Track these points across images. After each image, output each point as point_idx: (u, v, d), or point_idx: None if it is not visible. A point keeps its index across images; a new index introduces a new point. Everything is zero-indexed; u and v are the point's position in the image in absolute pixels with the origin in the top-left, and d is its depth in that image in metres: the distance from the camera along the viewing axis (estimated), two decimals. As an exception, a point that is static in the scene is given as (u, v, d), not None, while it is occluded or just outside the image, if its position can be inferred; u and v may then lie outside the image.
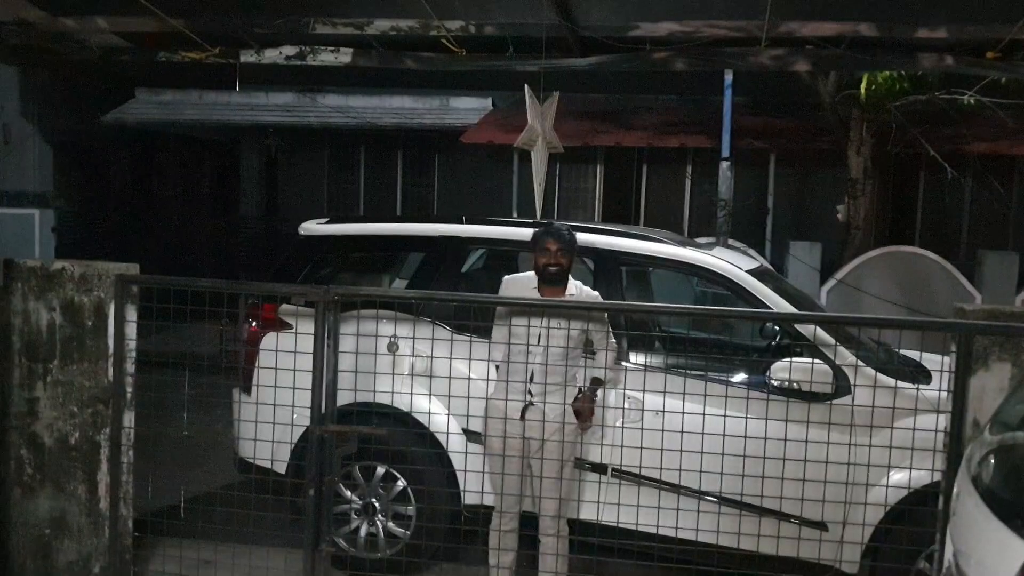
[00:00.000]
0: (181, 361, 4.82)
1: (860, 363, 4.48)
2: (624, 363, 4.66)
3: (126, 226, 13.13)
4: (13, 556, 4.32)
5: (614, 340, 4.51)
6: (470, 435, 4.72)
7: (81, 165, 12.93)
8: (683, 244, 5.28)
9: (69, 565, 4.33)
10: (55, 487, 4.31)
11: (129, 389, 4.33)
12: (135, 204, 13.95)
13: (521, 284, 4.46)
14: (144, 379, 4.42)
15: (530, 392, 4.33)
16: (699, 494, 4.43)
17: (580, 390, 4.41)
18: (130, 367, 4.33)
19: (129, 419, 4.34)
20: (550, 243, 4.36)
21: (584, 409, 4.37)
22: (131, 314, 4.32)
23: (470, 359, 4.45)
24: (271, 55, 5.66)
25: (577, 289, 4.46)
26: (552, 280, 4.37)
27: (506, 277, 4.57)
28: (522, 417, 4.33)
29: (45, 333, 4.27)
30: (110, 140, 13.31)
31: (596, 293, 4.57)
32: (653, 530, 4.41)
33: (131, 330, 4.32)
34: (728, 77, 9.32)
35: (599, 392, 4.47)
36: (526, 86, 6.98)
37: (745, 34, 7.52)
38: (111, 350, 4.27)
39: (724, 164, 9.79)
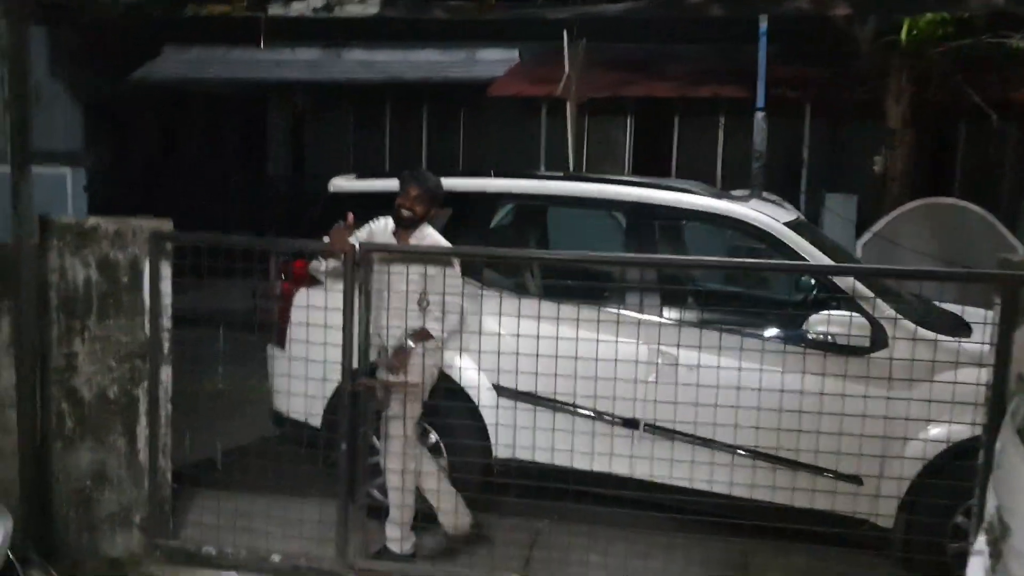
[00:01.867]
0: (215, 317, 4.87)
1: (899, 316, 4.42)
2: (459, 317, 4.51)
3: (155, 184, 13.20)
4: (56, 507, 4.41)
5: (456, 298, 4.41)
6: (501, 390, 4.73)
7: (110, 123, 13.00)
8: (717, 196, 5.20)
9: (110, 516, 4.41)
10: (95, 440, 4.38)
11: (166, 344, 4.37)
12: (164, 162, 14.01)
13: (380, 227, 4.51)
14: (179, 335, 4.46)
15: (384, 328, 4.39)
16: (733, 448, 4.42)
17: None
18: (166, 322, 4.36)
19: (166, 373, 4.39)
20: (412, 188, 4.42)
21: (394, 362, 4.34)
22: (166, 270, 4.35)
23: (499, 314, 4.44)
24: (298, 7, 5.57)
25: (426, 235, 4.49)
26: (404, 224, 4.44)
27: (370, 221, 4.58)
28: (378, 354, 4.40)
29: (82, 289, 4.30)
30: (138, 98, 13.34)
31: (442, 239, 4.52)
32: (687, 484, 4.41)
33: (166, 286, 4.35)
34: (763, 25, 9.15)
35: (416, 345, 4.36)
36: (564, 34, 6.87)
37: (781, -21, 7.32)
38: (147, 305, 4.31)
39: (758, 115, 9.66)
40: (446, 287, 4.33)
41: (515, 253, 5.09)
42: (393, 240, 4.45)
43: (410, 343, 4.35)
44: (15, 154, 4.13)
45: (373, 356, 4.40)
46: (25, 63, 4.18)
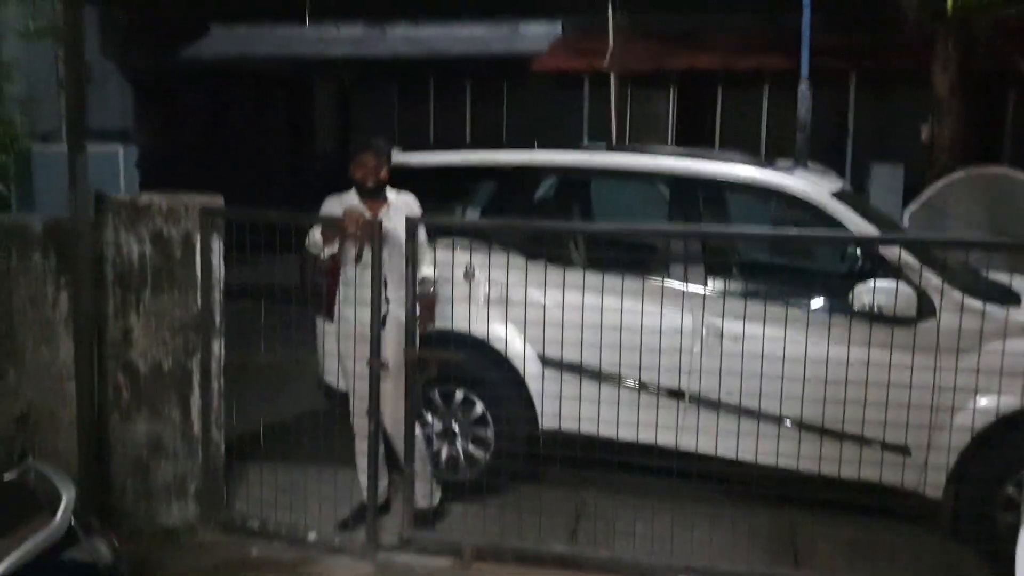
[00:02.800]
0: (264, 291, 4.95)
1: (946, 286, 4.37)
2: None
3: (204, 160, 13.38)
4: (115, 476, 4.54)
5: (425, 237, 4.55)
6: (546, 361, 4.77)
7: (160, 101, 13.19)
8: (761, 167, 5.16)
9: (166, 485, 4.54)
10: (151, 412, 4.49)
11: (217, 317, 4.47)
12: (212, 138, 14.18)
13: (344, 201, 4.48)
14: (230, 308, 4.56)
15: (387, 299, 4.40)
16: (778, 419, 4.42)
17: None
18: (217, 296, 4.46)
19: (218, 346, 4.49)
20: (367, 158, 4.44)
21: (429, 303, 4.51)
22: (216, 245, 4.44)
23: (544, 286, 4.48)
24: (344, -16, 5.67)
25: (395, 193, 4.53)
26: (371, 193, 4.45)
27: (328, 197, 4.57)
28: (384, 325, 4.40)
29: (136, 264, 4.41)
30: (187, 76, 13.50)
31: (411, 196, 4.58)
32: (732, 455, 4.42)
33: (217, 260, 4.44)
34: (807, -7, 8.99)
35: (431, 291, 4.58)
36: (610, 6, 6.83)
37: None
38: (199, 280, 4.40)
39: (803, 85, 9.53)
40: (423, 240, 4.48)
41: (559, 226, 5.12)
42: (364, 212, 4.38)
43: (430, 289, 4.51)
44: (71, 133, 4.23)
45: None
46: (80, 44, 4.26)
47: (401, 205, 4.50)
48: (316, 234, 4.37)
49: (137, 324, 4.45)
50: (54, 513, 2.80)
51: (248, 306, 4.93)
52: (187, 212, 4.39)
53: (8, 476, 3.14)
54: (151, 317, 4.44)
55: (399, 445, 4.46)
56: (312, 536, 4.44)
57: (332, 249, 4.37)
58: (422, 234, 4.50)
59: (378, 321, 4.28)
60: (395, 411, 4.42)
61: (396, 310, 4.43)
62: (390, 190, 4.54)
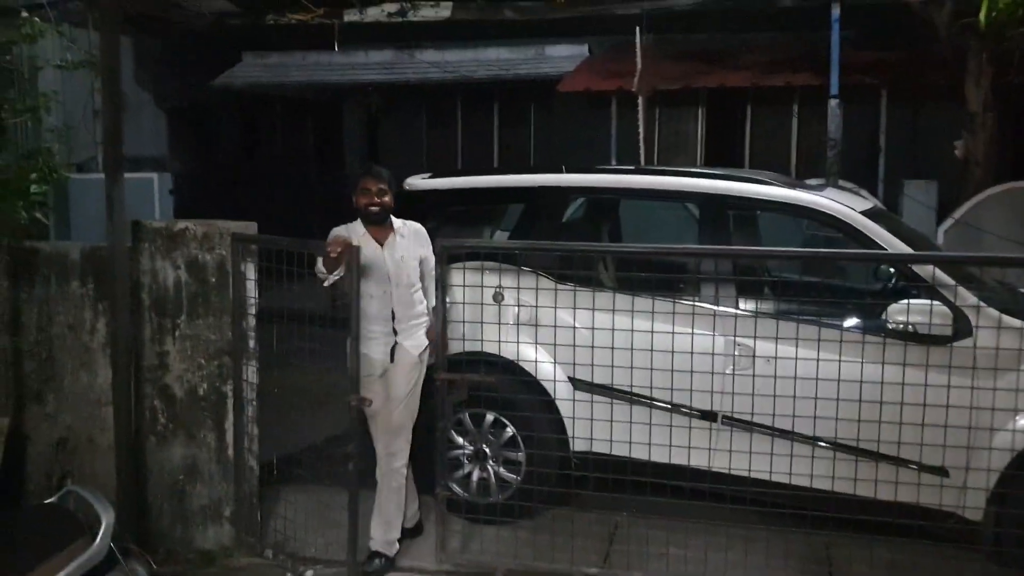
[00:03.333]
0: (297, 315, 5.00)
1: (982, 304, 4.32)
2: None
3: (237, 186, 13.55)
4: (151, 500, 4.59)
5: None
6: (577, 383, 4.76)
7: (193, 129, 13.40)
8: (792, 186, 5.15)
9: (202, 509, 4.58)
10: (186, 436, 4.55)
11: (251, 342, 4.52)
12: (245, 164, 14.37)
13: (351, 231, 4.41)
14: (264, 333, 4.60)
15: (395, 331, 4.37)
16: (813, 440, 4.38)
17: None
18: (251, 321, 4.51)
19: (252, 371, 4.54)
20: (369, 183, 4.36)
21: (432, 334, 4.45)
22: (250, 271, 4.49)
23: (574, 308, 4.48)
24: (373, 13, 5.73)
25: (402, 223, 4.47)
26: (376, 220, 4.38)
27: (334, 229, 4.44)
28: (392, 358, 4.38)
29: (172, 290, 4.48)
30: (219, 103, 13.71)
31: (419, 226, 4.55)
32: (766, 477, 4.38)
33: (251, 285, 4.50)
34: (835, 11, 8.98)
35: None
36: (637, 29, 6.87)
37: (854, -36, 7.19)
38: (235, 305, 4.46)
39: (833, 102, 9.48)
40: (432, 265, 4.47)
41: (588, 247, 5.13)
42: (371, 242, 4.36)
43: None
44: (108, 162, 4.32)
45: (379, 353, 4.38)
46: (117, 74, 4.36)
47: (409, 235, 4.46)
48: (319, 263, 4.30)
49: (173, 349, 4.51)
50: (94, 537, 2.85)
51: (281, 330, 4.97)
52: (221, 238, 4.46)
53: (50, 500, 3.20)
54: (186, 342, 4.50)
55: (392, 486, 4.42)
56: (344, 558, 4.45)
57: (335, 277, 4.25)
58: (431, 262, 4.49)
59: (355, 354, 4.22)
60: (395, 441, 4.41)
61: (405, 341, 4.40)
62: (396, 220, 4.49)
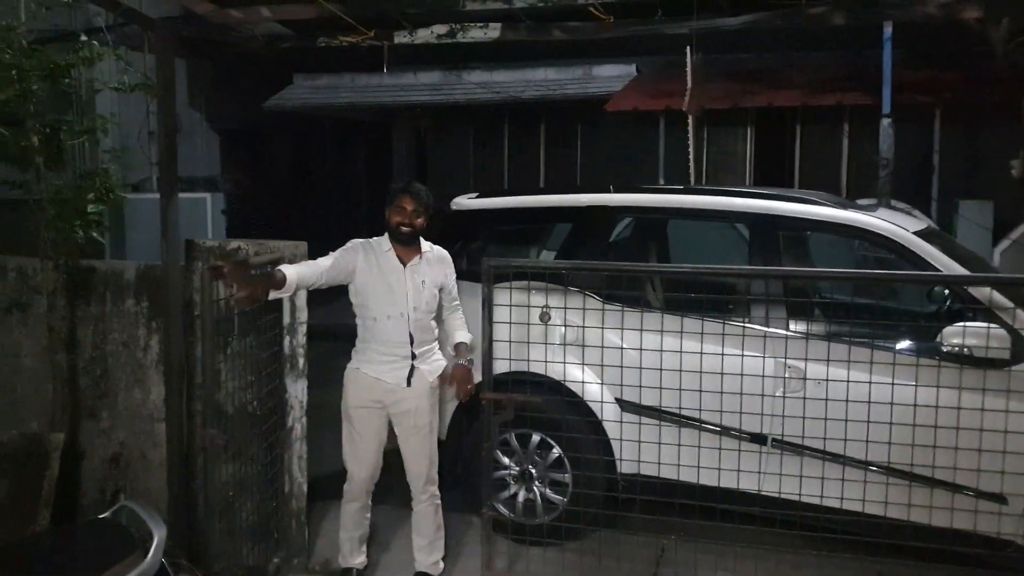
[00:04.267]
0: (346, 332, 5.04)
1: (1041, 327, 4.22)
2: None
3: (288, 206, 13.75)
4: (201, 515, 4.63)
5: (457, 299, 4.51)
6: (624, 404, 4.73)
7: (245, 150, 13.63)
8: (843, 206, 5.08)
9: (251, 525, 4.61)
10: (237, 452, 4.59)
11: (301, 359, 4.56)
12: (295, 185, 14.58)
13: (373, 247, 4.33)
14: (313, 350, 4.65)
15: (413, 355, 4.29)
16: (865, 464, 4.30)
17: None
18: (301, 338, 4.55)
19: (302, 388, 4.58)
20: (406, 202, 4.22)
21: (465, 377, 4.33)
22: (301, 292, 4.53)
23: (622, 328, 4.46)
24: (423, 35, 5.79)
25: (429, 247, 4.38)
26: (406, 241, 4.27)
27: (353, 240, 4.37)
28: (408, 383, 4.30)
29: (224, 308, 4.53)
30: (270, 125, 13.95)
31: (445, 252, 4.47)
32: (817, 501, 4.30)
33: (302, 303, 4.54)
34: (887, 29, 8.86)
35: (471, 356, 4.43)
36: (687, 49, 6.84)
37: (908, -18, 7.10)
38: (285, 323, 4.51)
39: (885, 121, 9.35)
40: (455, 295, 4.46)
41: (636, 267, 5.11)
42: (393, 260, 4.29)
43: (469, 358, 4.40)
44: (163, 183, 4.40)
45: (393, 378, 4.32)
46: (172, 96, 4.45)
47: (434, 260, 4.39)
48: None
49: (224, 367, 4.56)
50: (146, 552, 2.88)
51: (330, 348, 5.02)
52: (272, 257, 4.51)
53: (103, 515, 3.24)
54: (238, 360, 4.55)
55: (431, 510, 4.45)
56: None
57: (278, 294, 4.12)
58: (453, 291, 4.47)
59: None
60: (432, 469, 4.43)
61: (423, 366, 4.35)
62: (424, 243, 4.41)
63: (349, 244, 4.34)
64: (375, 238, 4.39)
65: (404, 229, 4.26)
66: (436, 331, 4.46)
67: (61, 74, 4.83)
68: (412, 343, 4.28)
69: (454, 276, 4.50)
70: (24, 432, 4.58)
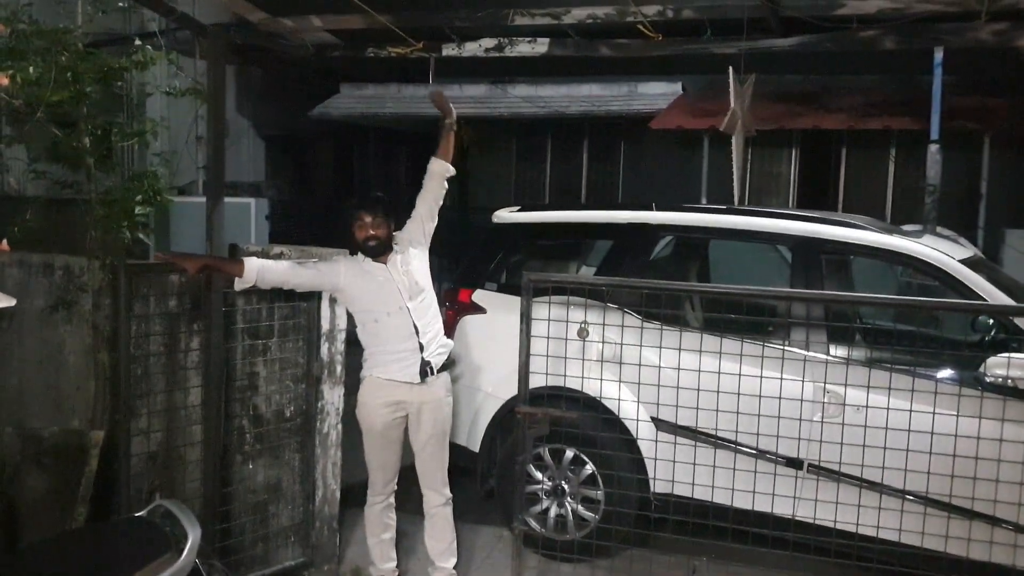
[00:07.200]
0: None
1: (1090, 361, 4.12)
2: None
3: (331, 213, 13.85)
4: (235, 517, 4.68)
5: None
6: (659, 423, 4.70)
7: (290, 157, 13.77)
8: (888, 231, 5.02)
9: (283, 529, 4.65)
10: (271, 456, 4.63)
11: (338, 366, 4.60)
12: (339, 193, 14.70)
13: (354, 264, 4.39)
14: (351, 356, 4.68)
15: (421, 346, 4.29)
16: (903, 493, 4.23)
17: None
18: (339, 345, 4.59)
19: (338, 394, 4.61)
20: (364, 216, 4.29)
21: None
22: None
23: (660, 347, 4.43)
24: (471, 48, 5.83)
25: (399, 243, 4.40)
26: (375, 253, 4.32)
27: (336, 258, 4.45)
28: (423, 380, 4.30)
29: (264, 312, 4.59)
30: (316, 133, 14.08)
31: (404, 229, 4.50)
32: (852, 529, 4.24)
33: (340, 310, 4.58)
34: (938, 55, 8.73)
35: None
36: (730, 68, 6.82)
37: (960, 8, 7.03)
38: (323, 329, 4.55)
39: (933, 147, 9.20)
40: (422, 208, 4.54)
41: (677, 286, 5.08)
42: (375, 265, 4.36)
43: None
44: (210, 188, 4.48)
45: (405, 375, 4.33)
46: (222, 103, 4.53)
47: (403, 242, 4.44)
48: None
49: (263, 371, 4.61)
50: (180, 552, 2.91)
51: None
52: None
53: (139, 513, 3.28)
54: (276, 364, 4.60)
55: (446, 515, 4.51)
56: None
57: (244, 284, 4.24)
58: (420, 209, 4.56)
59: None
60: (436, 468, 4.46)
61: (433, 357, 4.36)
62: (397, 245, 4.45)
63: (332, 258, 4.46)
64: (354, 256, 4.46)
65: (372, 243, 4.34)
66: (440, 320, 4.50)
67: (114, 77, 4.93)
68: (418, 333, 4.32)
69: (416, 216, 4.55)
70: (65, 428, 4.66)
